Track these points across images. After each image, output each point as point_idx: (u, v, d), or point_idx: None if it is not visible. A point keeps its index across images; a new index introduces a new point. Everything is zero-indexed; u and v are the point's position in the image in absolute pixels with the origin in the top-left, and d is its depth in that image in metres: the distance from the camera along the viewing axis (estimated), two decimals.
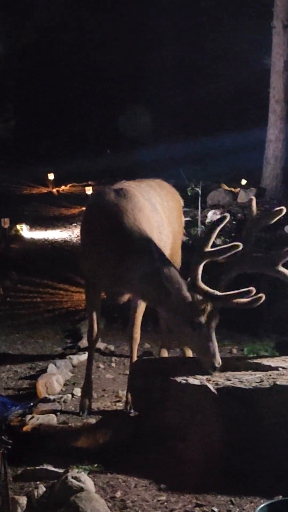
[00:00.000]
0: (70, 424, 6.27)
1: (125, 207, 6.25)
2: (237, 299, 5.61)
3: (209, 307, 5.72)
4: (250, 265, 5.92)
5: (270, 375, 5.50)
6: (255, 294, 5.56)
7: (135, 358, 6.61)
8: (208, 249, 5.78)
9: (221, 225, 5.80)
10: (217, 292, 5.71)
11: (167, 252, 6.87)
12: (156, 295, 5.97)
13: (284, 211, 5.91)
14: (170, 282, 5.84)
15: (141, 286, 6.07)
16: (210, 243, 5.80)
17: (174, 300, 5.80)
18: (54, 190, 20.92)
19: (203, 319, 5.72)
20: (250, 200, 6.21)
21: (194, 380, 5.44)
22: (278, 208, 5.95)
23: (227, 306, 5.69)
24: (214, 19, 23.15)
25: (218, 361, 5.67)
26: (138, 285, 6.09)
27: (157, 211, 6.77)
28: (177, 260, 7.34)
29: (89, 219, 6.68)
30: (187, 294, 5.79)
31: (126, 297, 6.61)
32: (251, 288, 5.54)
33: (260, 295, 5.57)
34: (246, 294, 5.57)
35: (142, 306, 6.57)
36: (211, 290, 5.72)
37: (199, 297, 5.73)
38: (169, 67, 24.22)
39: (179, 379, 5.47)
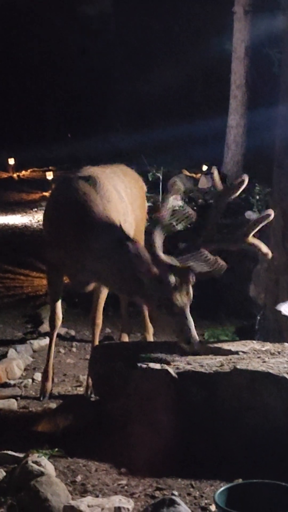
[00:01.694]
0: (30, 409, 6.27)
1: (94, 196, 6.16)
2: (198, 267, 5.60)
3: (181, 286, 5.69)
4: (219, 242, 5.91)
5: (231, 359, 5.52)
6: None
7: (96, 343, 6.61)
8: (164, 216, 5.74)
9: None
10: (176, 261, 5.69)
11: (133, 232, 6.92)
12: (129, 284, 5.91)
13: (247, 181, 5.89)
14: (140, 263, 5.76)
15: (112, 276, 6.01)
16: (166, 212, 5.76)
17: (147, 283, 5.76)
18: (15, 175, 20.76)
19: (177, 297, 5.69)
20: (212, 170, 6.19)
21: (154, 365, 5.44)
22: (240, 179, 5.93)
23: (194, 277, 5.69)
24: (174, 3, 23.05)
25: (194, 337, 5.66)
26: (109, 275, 6.03)
27: (122, 199, 6.72)
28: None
29: (55, 206, 6.51)
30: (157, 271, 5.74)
31: (91, 286, 6.54)
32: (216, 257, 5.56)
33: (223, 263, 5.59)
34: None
35: (104, 292, 6.55)
36: (171, 259, 5.69)
37: (173, 278, 5.68)
38: (129, 52, 24.11)
39: (139, 363, 5.47)
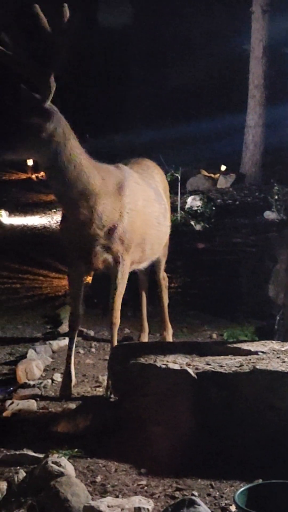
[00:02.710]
0: (50, 410, 6.27)
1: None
2: None
3: None
4: None
5: (250, 360, 5.51)
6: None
7: (115, 343, 6.61)
8: None
9: None
10: None
11: (166, 238, 7.33)
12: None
13: None
14: None
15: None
16: None
17: None
18: (33, 176, 20.83)
19: None
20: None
21: (173, 365, 5.44)
22: None
23: None
24: (194, 3, 23.02)
25: None
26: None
27: (161, 199, 6.97)
28: (167, 242, 7.51)
29: None
30: None
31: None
32: None
33: None
34: None
35: (119, 289, 6.56)
36: None
37: None
38: (148, 52, 24.10)
39: (158, 363, 5.47)
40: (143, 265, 7.24)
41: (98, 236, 6.30)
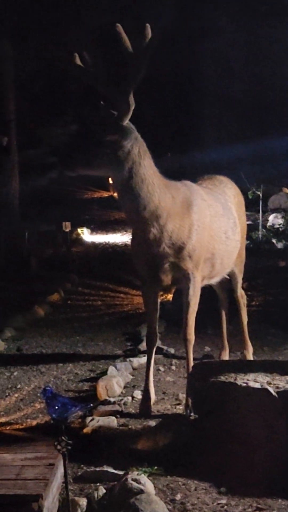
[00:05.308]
0: (130, 427, 6.28)
1: None
2: None
3: None
4: None
5: None
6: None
7: (191, 360, 6.59)
8: None
9: None
10: None
11: (236, 252, 7.18)
12: None
13: None
14: None
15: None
16: None
17: None
18: (115, 193, 20.98)
19: None
20: None
21: (254, 384, 5.40)
22: None
23: None
24: (258, 23, 22.90)
25: None
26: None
27: (230, 213, 6.91)
28: (242, 258, 7.46)
29: None
30: None
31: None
32: None
33: None
34: None
35: (192, 306, 6.54)
36: None
37: None
38: (227, 68, 24.07)
39: (239, 382, 5.44)
40: (215, 279, 7.21)
41: (167, 254, 6.30)
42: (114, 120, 5.95)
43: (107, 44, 6.03)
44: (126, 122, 5.98)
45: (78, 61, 6.01)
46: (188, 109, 24.12)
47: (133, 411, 6.69)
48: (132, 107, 5.92)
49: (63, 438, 4.54)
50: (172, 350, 8.51)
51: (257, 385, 5.38)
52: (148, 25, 5.75)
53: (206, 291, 7.04)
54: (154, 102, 23.67)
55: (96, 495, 4.87)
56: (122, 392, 7.19)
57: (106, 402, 6.83)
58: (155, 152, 6.22)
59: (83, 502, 4.83)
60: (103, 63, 5.97)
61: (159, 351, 8.07)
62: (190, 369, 6.35)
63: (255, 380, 5.49)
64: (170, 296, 9.82)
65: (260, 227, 15.04)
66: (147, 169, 6.09)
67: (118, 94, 5.91)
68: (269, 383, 5.44)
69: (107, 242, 16.10)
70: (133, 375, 7.71)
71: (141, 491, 4.73)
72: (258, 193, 15.13)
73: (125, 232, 16.86)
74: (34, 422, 6.57)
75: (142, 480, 4.88)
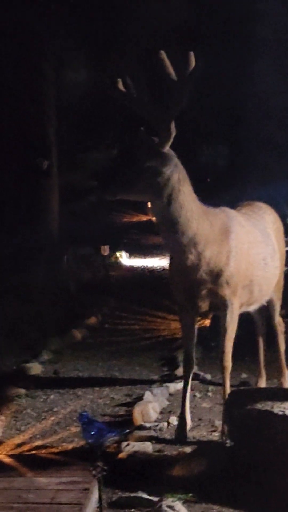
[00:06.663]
0: (165, 453, 6.26)
1: None
2: None
3: None
4: None
5: None
6: None
7: (227, 387, 6.56)
8: None
9: None
10: None
11: (275, 279, 7.15)
12: None
13: None
14: None
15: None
16: None
17: None
18: (154, 218, 21.02)
19: None
20: None
21: None
22: None
23: None
24: None
25: None
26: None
27: (269, 240, 6.90)
28: (280, 285, 7.44)
29: None
30: None
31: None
32: None
33: None
34: None
35: (229, 333, 6.53)
36: None
37: None
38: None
39: (276, 410, 5.41)
40: (253, 307, 7.19)
41: (205, 281, 6.30)
42: (155, 147, 5.98)
43: (150, 70, 6.06)
44: (167, 148, 6.01)
45: (121, 86, 6.06)
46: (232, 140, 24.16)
47: (168, 437, 6.67)
48: (173, 134, 5.95)
49: (98, 463, 4.55)
50: (208, 376, 8.48)
51: None
52: (191, 53, 5.78)
53: (244, 317, 7.01)
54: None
55: None
56: (158, 418, 7.18)
57: (141, 428, 6.82)
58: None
59: None
60: (145, 89, 6.00)
61: (196, 377, 8.05)
62: (227, 396, 6.32)
63: None
64: (207, 322, 9.80)
65: None
66: (186, 196, 6.10)
67: (160, 121, 5.95)
68: None
69: (145, 266, 16.14)
70: (169, 401, 7.70)
71: None
72: None
73: (163, 257, 16.87)
74: (70, 446, 6.59)
75: (177, 507, 4.86)
